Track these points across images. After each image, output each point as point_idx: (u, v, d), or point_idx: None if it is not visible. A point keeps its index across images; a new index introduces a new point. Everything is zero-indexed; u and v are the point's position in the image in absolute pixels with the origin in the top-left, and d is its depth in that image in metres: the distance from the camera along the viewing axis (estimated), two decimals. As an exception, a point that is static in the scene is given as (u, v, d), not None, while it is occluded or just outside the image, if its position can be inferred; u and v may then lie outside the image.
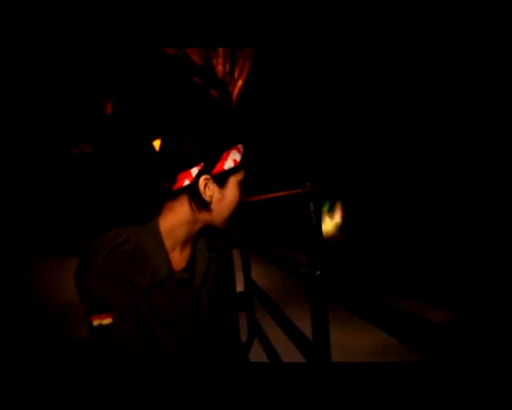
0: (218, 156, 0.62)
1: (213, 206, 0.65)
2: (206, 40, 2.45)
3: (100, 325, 0.59)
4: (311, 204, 1.08)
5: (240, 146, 0.66)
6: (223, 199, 0.65)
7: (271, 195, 1.51)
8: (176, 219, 0.65)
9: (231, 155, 0.63)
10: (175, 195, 0.64)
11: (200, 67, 2.70)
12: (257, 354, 2.20)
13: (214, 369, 0.73)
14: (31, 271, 4.87)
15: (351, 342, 2.44)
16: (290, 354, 1.58)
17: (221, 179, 0.64)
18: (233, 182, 0.66)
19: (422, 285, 3.47)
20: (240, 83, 2.78)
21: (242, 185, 0.70)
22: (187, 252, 0.70)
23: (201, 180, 0.62)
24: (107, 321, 0.58)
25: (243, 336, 2.44)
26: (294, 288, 2.70)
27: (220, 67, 2.78)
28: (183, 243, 0.69)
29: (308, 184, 1.08)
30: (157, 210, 0.67)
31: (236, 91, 2.82)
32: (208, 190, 0.63)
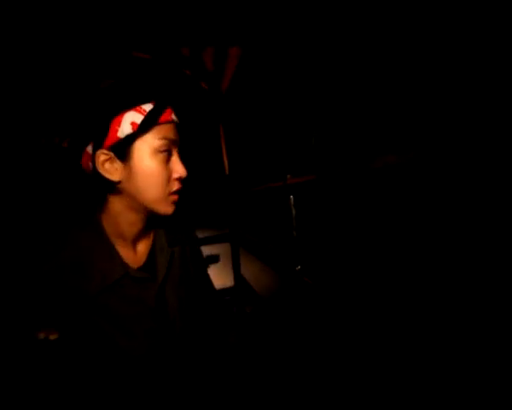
0: (105, 125, 0.52)
1: (124, 185, 0.54)
2: (195, 40, 2.38)
3: (46, 339, 0.54)
4: (291, 197, 1.05)
5: (142, 106, 0.53)
6: (132, 175, 0.54)
7: (255, 188, 1.48)
8: (111, 212, 0.58)
9: (125, 118, 0.52)
10: (100, 184, 0.57)
11: (189, 58, 2.63)
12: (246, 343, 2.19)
13: (189, 368, 0.71)
14: None
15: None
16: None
17: (120, 151, 0.52)
18: (141, 151, 0.54)
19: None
20: (229, 73, 2.71)
21: (172, 154, 0.57)
22: (144, 248, 0.63)
23: (97, 157, 0.52)
24: (53, 336, 0.54)
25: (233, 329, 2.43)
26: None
27: (209, 59, 2.71)
28: (135, 238, 0.61)
29: (289, 176, 1.05)
30: (99, 206, 0.60)
31: (226, 81, 2.76)
32: (111, 167, 0.53)
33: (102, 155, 0.51)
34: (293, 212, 1.06)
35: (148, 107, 0.52)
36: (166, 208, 0.58)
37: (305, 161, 1.09)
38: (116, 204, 0.57)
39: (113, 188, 0.55)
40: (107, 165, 0.52)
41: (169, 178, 0.57)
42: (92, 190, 0.60)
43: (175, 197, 0.59)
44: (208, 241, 2.69)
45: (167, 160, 0.56)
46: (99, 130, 0.51)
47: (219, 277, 4.07)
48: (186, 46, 2.65)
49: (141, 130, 0.52)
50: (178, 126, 0.59)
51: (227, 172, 2.54)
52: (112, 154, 0.52)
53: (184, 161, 0.60)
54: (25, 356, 0.53)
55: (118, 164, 0.52)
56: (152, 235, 0.66)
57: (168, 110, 0.55)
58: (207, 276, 0.81)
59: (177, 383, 0.65)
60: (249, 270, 4.21)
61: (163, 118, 0.55)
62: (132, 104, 0.52)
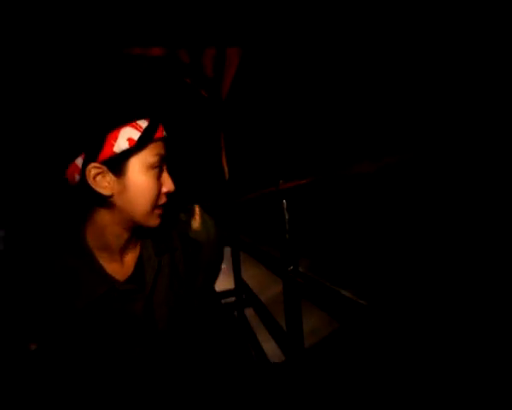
0: (101, 139, 0.50)
1: (116, 200, 0.54)
2: (193, 42, 2.44)
3: (29, 350, 0.54)
4: (284, 201, 1.11)
5: (139, 122, 0.53)
6: (125, 190, 0.54)
7: (250, 195, 1.54)
8: (97, 225, 0.58)
9: (122, 134, 0.51)
10: (83, 197, 0.56)
11: (188, 65, 2.70)
12: (244, 350, 2.24)
13: (180, 376, 0.69)
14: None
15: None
16: (273, 348, 1.63)
17: (115, 166, 0.52)
18: (136, 166, 0.53)
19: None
20: (228, 80, 2.79)
21: (163, 170, 0.59)
22: (130, 259, 0.64)
23: (89, 170, 0.51)
24: (33, 347, 0.54)
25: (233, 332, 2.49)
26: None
27: (208, 65, 2.78)
28: (121, 250, 0.61)
29: (281, 181, 1.11)
30: (81, 220, 0.60)
31: (226, 88, 2.83)
32: (103, 180, 0.52)
33: (94, 169, 0.51)
34: (286, 216, 1.11)
35: (143, 123, 0.53)
36: (154, 222, 0.59)
37: (297, 167, 1.14)
38: (103, 217, 0.56)
39: (102, 201, 0.55)
40: (98, 178, 0.52)
41: (159, 193, 0.58)
42: (75, 202, 0.59)
43: (160, 211, 0.60)
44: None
45: (159, 175, 0.57)
46: (94, 143, 0.50)
47: (221, 281, 4.11)
48: (185, 48, 2.71)
49: (138, 146, 0.53)
50: (166, 141, 0.60)
51: (227, 177, 2.60)
52: (104, 168, 0.52)
53: (172, 173, 0.61)
54: (7, 365, 0.54)
55: (110, 178, 0.53)
56: (139, 245, 0.66)
57: (161, 127, 0.57)
58: (207, 279, 0.80)
59: (168, 392, 0.66)
60: (249, 273, 4.24)
61: (157, 135, 0.56)
62: (129, 119, 0.52)
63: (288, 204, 1.11)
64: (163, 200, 0.59)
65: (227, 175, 2.59)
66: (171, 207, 0.65)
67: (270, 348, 1.87)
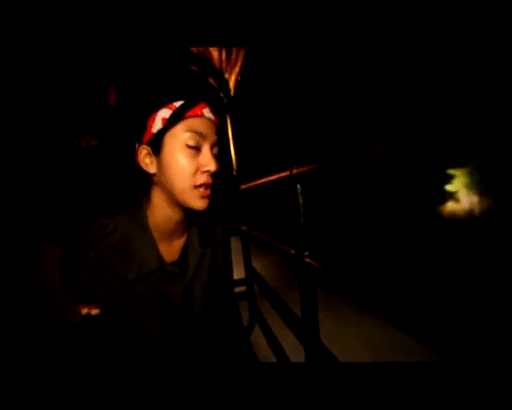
0: (144, 122, 0.57)
1: (160, 178, 0.59)
2: (204, 40, 2.41)
3: (88, 315, 0.58)
4: (299, 186, 1.07)
5: (175, 103, 0.56)
6: (165, 168, 0.57)
7: (261, 180, 1.51)
8: (152, 205, 0.62)
9: (158, 115, 0.56)
10: (143, 178, 0.61)
11: (197, 55, 2.66)
12: (257, 340, 2.23)
13: (210, 362, 0.72)
14: (33, 257, 5.04)
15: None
16: (287, 337, 1.60)
17: (155, 145, 0.57)
18: (171, 145, 0.56)
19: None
20: (237, 69, 2.73)
21: (203, 149, 0.59)
22: (178, 244, 0.67)
23: (139, 152, 0.58)
24: (94, 312, 0.58)
25: (245, 322, 2.48)
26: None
27: (216, 55, 2.73)
28: (170, 234, 0.65)
29: (295, 166, 1.07)
30: (145, 198, 0.65)
31: (234, 78, 2.78)
32: (149, 160, 0.58)
33: (143, 150, 0.58)
34: (301, 200, 1.08)
35: (178, 103, 0.56)
36: (196, 203, 0.59)
37: (310, 151, 1.10)
38: (155, 197, 0.61)
39: (151, 181, 0.61)
40: (147, 159, 0.58)
41: (196, 171, 0.58)
42: (140, 183, 0.65)
43: (204, 192, 0.60)
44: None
45: (196, 153, 0.58)
46: (139, 127, 0.57)
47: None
48: (194, 46, 2.68)
49: (169, 123, 0.55)
50: (215, 124, 0.61)
51: (235, 166, 2.57)
52: (149, 148, 0.58)
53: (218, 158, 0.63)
54: (69, 327, 0.59)
55: (153, 158, 0.58)
56: (186, 233, 0.69)
57: (199, 105, 0.58)
58: (232, 279, 0.85)
59: (194, 375, 0.67)
60: (260, 262, 4.21)
61: (191, 112, 0.57)
62: (165, 102, 0.56)
63: (303, 189, 1.08)
64: (203, 179, 0.58)
65: (235, 164, 2.56)
66: (217, 201, 0.67)
67: (284, 338, 1.85)
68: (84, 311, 0.58)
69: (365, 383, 0.74)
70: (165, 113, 0.55)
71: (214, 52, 2.92)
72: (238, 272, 2.82)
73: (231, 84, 2.84)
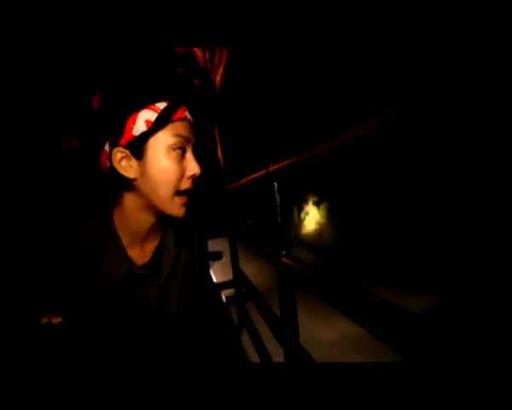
0: (121, 123, 0.52)
1: (140, 183, 0.55)
2: (191, 40, 2.40)
3: (49, 323, 0.55)
4: (275, 184, 1.05)
5: (156, 105, 0.53)
6: (146, 172, 0.54)
7: (244, 180, 1.48)
8: (122, 209, 0.59)
9: (140, 116, 0.52)
10: (116, 181, 0.57)
11: (182, 55, 2.64)
12: (245, 341, 2.20)
13: (185, 365, 0.71)
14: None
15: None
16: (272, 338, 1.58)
17: (135, 148, 0.53)
18: (155, 148, 0.53)
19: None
20: (221, 70, 2.71)
21: (186, 152, 0.57)
22: (151, 247, 0.65)
23: (114, 154, 0.53)
24: (56, 320, 0.55)
25: (234, 323, 2.44)
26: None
27: (200, 55, 2.71)
28: (143, 237, 0.62)
29: (270, 163, 1.05)
30: (112, 201, 0.62)
31: (219, 78, 2.75)
32: (127, 164, 0.54)
33: (119, 153, 0.53)
34: (278, 199, 1.05)
35: (161, 105, 0.53)
36: (176, 210, 0.57)
37: (288, 148, 1.08)
38: (129, 201, 0.58)
39: (128, 185, 0.57)
40: (123, 162, 0.54)
41: (182, 176, 0.57)
42: (107, 186, 0.61)
43: (185, 199, 0.59)
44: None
45: (181, 158, 0.56)
46: (115, 128, 0.52)
47: (223, 274, 4.07)
48: (179, 46, 2.65)
49: (155, 127, 0.52)
50: (193, 125, 0.59)
51: (222, 167, 2.54)
52: (127, 151, 0.53)
53: (198, 159, 0.61)
54: (28, 338, 0.54)
55: (133, 161, 0.54)
56: (160, 235, 0.67)
57: (182, 108, 0.56)
58: (210, 277, 0.84)
59: (170, 378, 0.66)
60: (249, 265, 4.17)
61: (176, 116, 0.54)
62: (147, 103, 0.52)
63: (280, 187, 1.05)
64: (187, 184, 0.58)
65: (222, 164, 2.53)
66: (194, 202, 0.65)
67: (270, 340, 1.83)
68: (44, 320, 0.55)
69: (340, 383, 0.72)
70: (148, 115, 0.52)
71: (199, 52, 2.89)
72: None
73: (216, 84, 2.81)
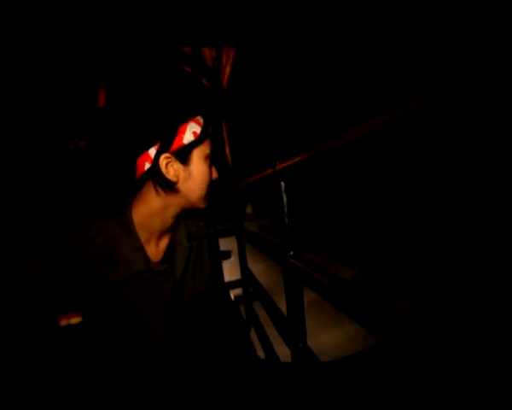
0: (174, 131, 0.58)
1: (181, 186, 0.62)
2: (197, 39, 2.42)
3: (68, 325, 0.56)
4: (282, 183, 1.03)
5: (198, 118, 0.61)
6: (189, 177, 0.62)
7: (251, 179, 1.47)
8: (147, 209, 0.62)
9: (189, 127, 0.59)
10: (141, 182, 0.61)
11: (190, 54, 2.64)
12: (252, 339, 2.19)
13: (205, 360, 0.72)
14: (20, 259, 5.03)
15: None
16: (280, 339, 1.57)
17: (183, 155, 0.60)
18: (198, 157, 0.62)
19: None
20: (228, 69, 2.71)
21: (212, 161, 0.67)
22: (164, 243, 0.68)
23: (162, 160, 0.58)
24: (75, 321, 0.56)
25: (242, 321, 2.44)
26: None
27: (208, 53, 2.71)
28: (160, 234, 0.66)
29: (277, 162, 1.04)
30: (130, 201, 0.64)
31: (226, 78, 2.75)
32: (172, 169, 0.60)
33: (166, 159, 0.58)
34: (285, 198, 1.04)
35: (201, 119, 0.61)
36: (206, 204, 0.67)
37: (293, 145, 1.07)
38: (159, 202, 0.62)
39: (168, 187, 0.61)
40: (168, 167, 0.59)
41: (211, 180, 0.67)
42: (125, 187, 0.64)
43: (209, 196, 0.68)
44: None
45: (210, 165, 0.66)
46: (168, 135, 0.57)
47: (231, 272, 4.09)
48: (186, 46, 2.66)
49: (200, 139, 0.61)
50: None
51: (230, 165, 2.53)
52: (173, 157, 0.59)
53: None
54: (48, 338, 0.56)
55: (178, 166, 0.60)
56: (172, 231, 0.70)
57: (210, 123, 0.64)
58: (221, 271, 0.85)
59: (186, 372, 0.67)
60: (256, 263, 4.16)
61: (211, 129, 0.64)
62: (193, 115, 0.60)
63: (287, 186, 1.04)
64: (211, 186, 0.67)
65: (230, 164, 2.52)
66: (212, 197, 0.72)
67: (277, 339, 1.82)
68: (63, 322, 0.56)
69: (348, 387, 0.70)
70: (195, 126, 0.60)
71: (206, 52, 2.89)
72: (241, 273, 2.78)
73: (224, 84, 2.81)
